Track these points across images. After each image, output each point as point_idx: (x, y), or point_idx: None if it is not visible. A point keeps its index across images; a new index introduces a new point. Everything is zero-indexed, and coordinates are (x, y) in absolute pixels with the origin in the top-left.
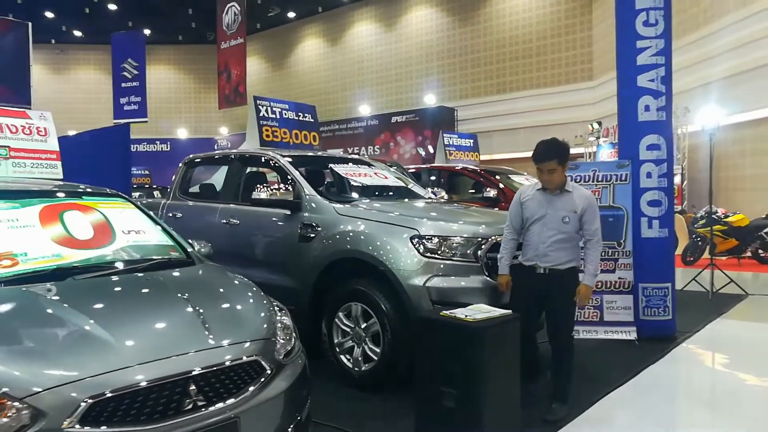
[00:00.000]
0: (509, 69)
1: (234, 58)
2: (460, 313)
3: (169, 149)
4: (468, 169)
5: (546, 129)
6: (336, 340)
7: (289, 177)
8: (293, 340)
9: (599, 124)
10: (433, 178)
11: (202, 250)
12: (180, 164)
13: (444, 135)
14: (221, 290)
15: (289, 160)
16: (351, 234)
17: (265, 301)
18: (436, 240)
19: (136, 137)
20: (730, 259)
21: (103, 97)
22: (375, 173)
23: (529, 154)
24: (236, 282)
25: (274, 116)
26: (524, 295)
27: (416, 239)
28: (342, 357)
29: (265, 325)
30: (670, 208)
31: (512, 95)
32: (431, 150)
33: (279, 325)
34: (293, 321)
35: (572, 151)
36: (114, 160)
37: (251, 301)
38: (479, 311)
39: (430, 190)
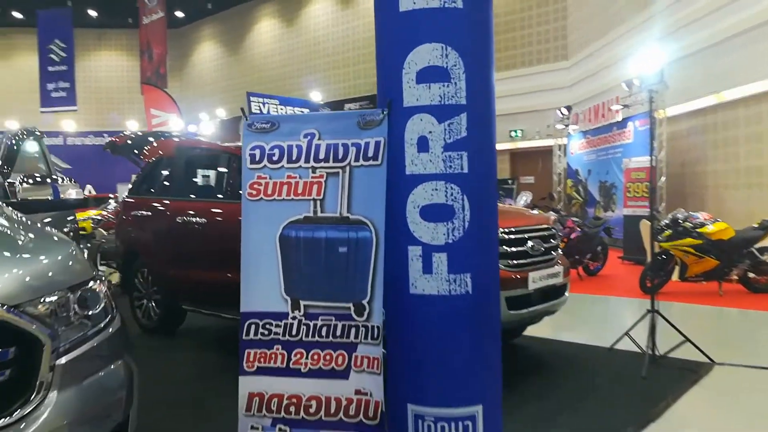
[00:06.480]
0: None
1: (155, 35)
2: None
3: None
4: None
5: (515, 117)
6: None
7: None
8: None
9: (568, 109)
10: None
11: None
12: None
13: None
14: None
15: None
16: None
17: None
18: None
19: (84, 130)
20: (711, 284)
21: None
22: None
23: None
24: None
25: None
26: None
27: None
28: None
29: None
30: (477, 222)
31: None
32: None
33: None
34: None
35: (542, 143)
36: None
37: None
38: None
39: None
